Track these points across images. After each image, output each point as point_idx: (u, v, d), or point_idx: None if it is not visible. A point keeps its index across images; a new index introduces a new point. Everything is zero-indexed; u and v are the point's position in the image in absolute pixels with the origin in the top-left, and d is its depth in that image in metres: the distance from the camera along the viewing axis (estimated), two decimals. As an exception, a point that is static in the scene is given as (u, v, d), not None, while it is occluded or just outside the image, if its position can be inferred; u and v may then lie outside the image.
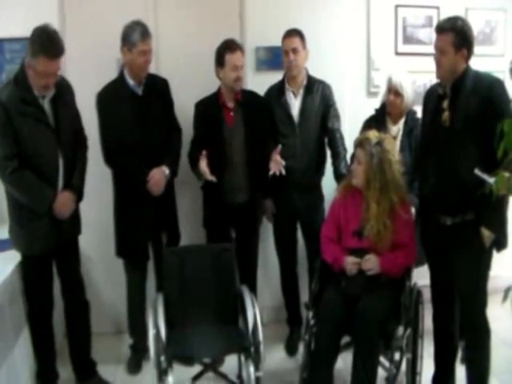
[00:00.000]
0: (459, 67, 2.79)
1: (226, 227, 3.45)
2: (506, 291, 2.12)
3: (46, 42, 2.84)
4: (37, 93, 2.97)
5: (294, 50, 3.64)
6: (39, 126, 2.98)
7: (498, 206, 2.60)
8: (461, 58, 2.78)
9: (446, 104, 2.84)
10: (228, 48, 3.54)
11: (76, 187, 3.15)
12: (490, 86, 2.72)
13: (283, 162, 3.46)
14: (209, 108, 3.64)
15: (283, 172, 3.46)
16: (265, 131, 3.70)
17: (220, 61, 3.56)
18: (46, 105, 3.02)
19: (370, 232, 3.06)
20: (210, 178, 3.44)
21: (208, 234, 3.77)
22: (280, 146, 3.50)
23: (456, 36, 2.75)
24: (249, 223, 3.76)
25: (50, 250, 3.12)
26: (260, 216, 3.88)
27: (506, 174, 1.92)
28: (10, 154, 2.92)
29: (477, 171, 2.50)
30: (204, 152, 3.44)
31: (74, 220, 3.23)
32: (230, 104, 3.65)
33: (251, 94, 3.77)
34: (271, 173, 3.48)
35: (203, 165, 3.43)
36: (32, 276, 3.12)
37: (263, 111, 3.72)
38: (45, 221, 3.04)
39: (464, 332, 3.02)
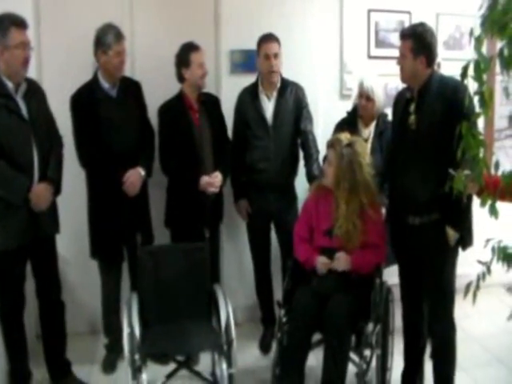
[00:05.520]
0: (420, 72, 2.88)
1: (194, 226, 3.54)
2: (467, 287, 2.21)
3: (13, 16, 3.03)
4: (10, 85, 3.03)
5: (276, 56, 3.70)
6: (12, 117, 3.01)
7: (461, 205, 2.68)
8: (420, 64, 2.86)
9: (412, 107, 2.92)
10: (192, 48, 3.63)
11: (52, 179, 3.15)
12: (454, 89, 2.78)
13: (217, 181, 3.63)
14: (175, 111, 3.67)
15: (215, 190, 3.65)
16: (224, 128, 3.84)
17: (185, 61, 3.62)
18: (19, 99, 3.07)
19: (339, 231, 3.13)
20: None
21: (173, 233, 3.79)
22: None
23: (414, 42, 2.85)
24: (214, 221, 3.82)
25: (26, 246, 3.12)
26: (222, 214, 3.94)
27: (466, 172, 2.01)
28: None
29: (451, 171, 2.57)
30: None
31: (52, 215, 3.24)
32: (195, 105, 3.71)
33: (207, 94, 3.82)
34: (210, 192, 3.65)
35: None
36: (5, 272, 3.11)
37: (219, 109, 3.84)
38: (21, 213, 3.04)
39: (431, 328, 3.09)
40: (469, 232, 2.91)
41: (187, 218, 3.69)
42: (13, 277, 3.14)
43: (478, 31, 1.96)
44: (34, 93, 3.16)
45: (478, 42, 1.79)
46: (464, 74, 1.79)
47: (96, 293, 3.74)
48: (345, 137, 3.20)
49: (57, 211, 3.30)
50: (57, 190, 3.21)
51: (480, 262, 2.24)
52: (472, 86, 2.12)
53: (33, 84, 3.20)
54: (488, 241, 2.24)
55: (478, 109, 2.13)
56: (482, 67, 1.72)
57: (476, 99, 2.08)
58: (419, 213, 2.92)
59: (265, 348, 3.92)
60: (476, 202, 2.66)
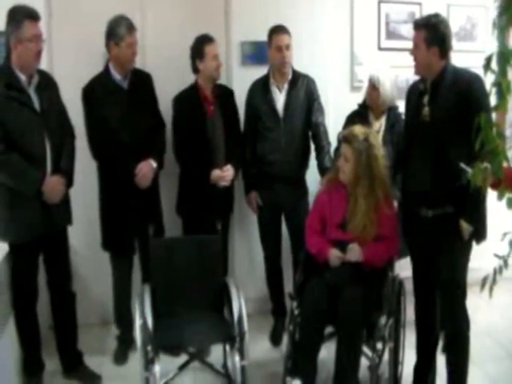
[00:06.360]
0: (434, 63, 2.86)
1: (205, 216, 3.61)
2: (483, 280, 2.18)
3: (26, 8, 3.04)
4: (23, 78, 3.04)
5: (288, 47, 3.70)
6: (24, 110, 3.02)
7: (476, 198, 2.66)
8: (433, 55, 2.84)
9: (426, 99, 2.90)
10: (206, 40, 3.65)
11: (65, 171, 3.17)
12: (468, 81, 2.78)
13: (229, 175, 3.65)
14: (190, 102, 3.70)
15: (226, 184, 3.68)
16: (237, 121, 3.86)
17: (199, 53, 3.64)
18: (32, 91, 3.07)
19: (356, 226, 3.11)
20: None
21: (184, 222, 3.84)
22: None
23: (428, 33, 2.83)
24: (224, 213, 3.84)
25: (40, 239, 3.14)
26: (233, 206, 3.97)
27: (482, 165, 1.98)
28: None
29: (462, 165, 2.55)
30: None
31: (65, 207, 3.26)
32: (210, 97, 3.72)
33: (222, 87, 3.86)
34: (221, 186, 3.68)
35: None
36: (19, 265, 3.13)
37: (233, 102, 3.86)
38: (35, 206, 3.06)
39: (444, 322, 3.08)
40: (483, 225, 2.89)
41: (198, 208, 3.72)
42: (26, 269, 3.17)
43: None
44: (46, 84, 3.17)
45: (502, 32, 1.77)
46: (487, 65, 1.76)
47: (107, 284, 3.74)
48: (359, 130, 3.16)
49: (69, 203, 3.32)
50: (69, 182, 3.22)
51: (497, 255, 2.22)
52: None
53: (45, 75, 3.21)
54: (505, 234, 2.21)
55: (493, 101, 2.10)
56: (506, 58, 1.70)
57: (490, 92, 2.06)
58: (432, 205, 2.90)
59: (275, 340, 3.92)
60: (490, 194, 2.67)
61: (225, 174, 3.66)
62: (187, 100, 3.70)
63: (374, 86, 3.67)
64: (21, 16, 2.97)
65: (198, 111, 3.68)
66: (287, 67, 3.75)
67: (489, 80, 2.17)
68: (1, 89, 2.96)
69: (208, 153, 3.66)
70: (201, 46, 3.63)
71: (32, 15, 3.00)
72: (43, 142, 3.07)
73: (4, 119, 2.96)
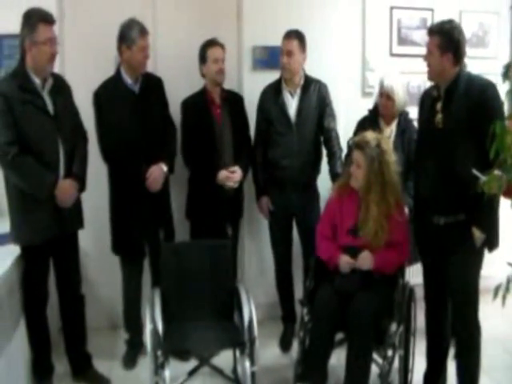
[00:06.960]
0: (447, 70, 2.85)
1: (213, 220, 3.65)
2: (496, 289, 2.17)
3: (41, 11, 3.08)
4: (37, 81, 3.06)
5: (289, 53, 3.69)
6: (38, 113, 3.04)
7: (489, 206, 2.65)
8: (447, 61, 2.83)
9: (439, 106, 2.89)
10: (208, 44, 3.71)
11: (77, 175, 3.19)
12: (482, 88, 2.75)
13: (236, 176, 3.66)
14: (197, 105, 3.74)
15: (234, 185, 3.69)
16: (246, 127, 3.88)
17: (202, 57, 3.71)
18: (45, 94, 3.09)
19: (368, 233, 3.10)
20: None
21: (192, 225, 3.85)
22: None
23: (442, 39, 2.82)
24: (233, 217, 3.84)
25: (51, 242, 3.15)
26: (242, 211, 3.98)
27: (497, 173, 1.97)
28: (11, 140, 2.97)
29: (474, 171, 2.54)
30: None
31: (77, 211, 3.27)
32: (218, 101, 3.75)
33: (231, 92, 3.89)
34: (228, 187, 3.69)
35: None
36: (30, 267, 3.14)
37: (242, 108, 3.88)
38: (47, 209, 3.08)
39: (455, 330, 3.06)
40: (495, 233, 2.87)
41: (206, 212, 3.73)
42: (37, 271, 3.17)
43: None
44: (60, 88, 3.18)
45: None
46: (506, 73, 1.76)
47: (117, 288, 3.74)
48: (371, 136, 3.15)
49: (81, 207, 3.33)
50: (82, 186, 3.23)
51: (510, 264, 2.21)
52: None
53: (58, 79, 3.22)
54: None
55: (507, 109, 2.10)
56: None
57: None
58: (444, 213, 2.89)
59: (285, 346, 3.91)
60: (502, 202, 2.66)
61: (231, 174, 3.66)
62: (194, 103, 3.74)
63: (388, 97, 3.64)
64: (35, 19, 2.99)
65: (204, 114, 3.71)
66: (287, 73, 3.74)
67: (504, 88, 2.18)
68: (16, 92, 2.98)
69: (215, 156, 3.69)
70: (203, 49, 3.70)
71: (46, 18, 3.02)
72: (57, 145, 3.08)
73: (19, 122, 2.98)
